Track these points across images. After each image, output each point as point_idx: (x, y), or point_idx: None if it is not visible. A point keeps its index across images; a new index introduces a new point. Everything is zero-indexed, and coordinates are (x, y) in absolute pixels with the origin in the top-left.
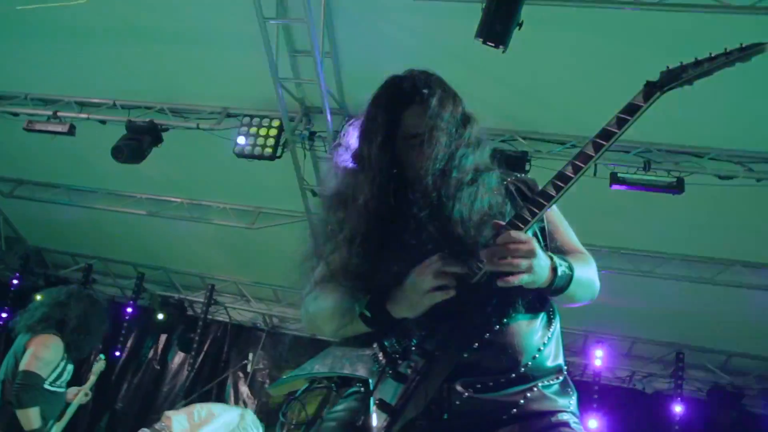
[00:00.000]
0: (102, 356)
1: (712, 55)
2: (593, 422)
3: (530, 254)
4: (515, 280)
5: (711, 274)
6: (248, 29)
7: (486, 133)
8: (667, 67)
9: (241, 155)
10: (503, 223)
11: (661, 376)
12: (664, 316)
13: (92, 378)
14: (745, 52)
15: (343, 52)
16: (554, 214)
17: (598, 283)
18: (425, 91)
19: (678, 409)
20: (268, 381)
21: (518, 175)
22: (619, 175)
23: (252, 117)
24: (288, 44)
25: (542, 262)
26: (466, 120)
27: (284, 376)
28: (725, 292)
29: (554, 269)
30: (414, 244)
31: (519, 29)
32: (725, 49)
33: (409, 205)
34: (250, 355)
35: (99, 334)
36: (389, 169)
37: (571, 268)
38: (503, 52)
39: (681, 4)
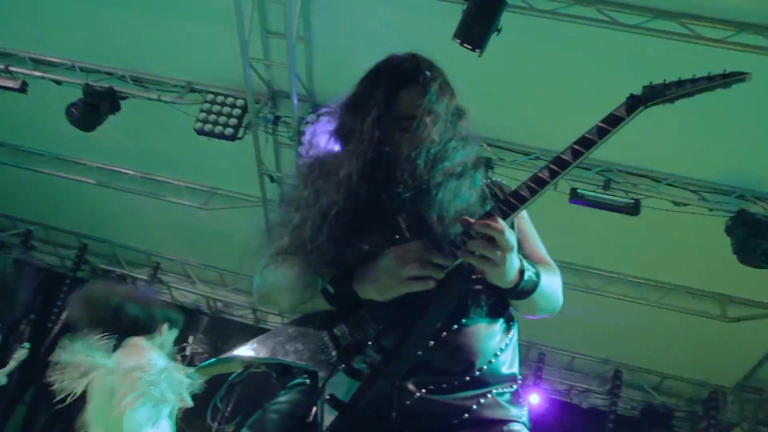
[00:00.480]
0: (27, 344)
1: (695, 78)
2: None
3: (507, 246)
4: (487, 268)
5: (656, 297)
6: (222, 3)
7: (475, 132)
8: (651, 82)
9: (201, 132)
10: (473, 220)
11: (597, 393)
12: (606, 333)
13: (12, 363)
14: (727, 79)
15: (317, 38)
16: (525, 222)
17: (561, 298)
18: (428, 73)
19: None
20: None
21: (494, 179)
22: (578, 191)
23: (216, 94)
24: (261, 24)
25: (514, 260)
26: (459, 114)
27: (220, 357)
28: (667, 315)
29: (522, 272)
30: (388, 226)
31: (497, 35)
32: (708, 73)
33: (395, 185)
34: (190, 338)
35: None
36: (380, 145)
37: (538, 276)
38: (479, 55)
39: (655, 29)
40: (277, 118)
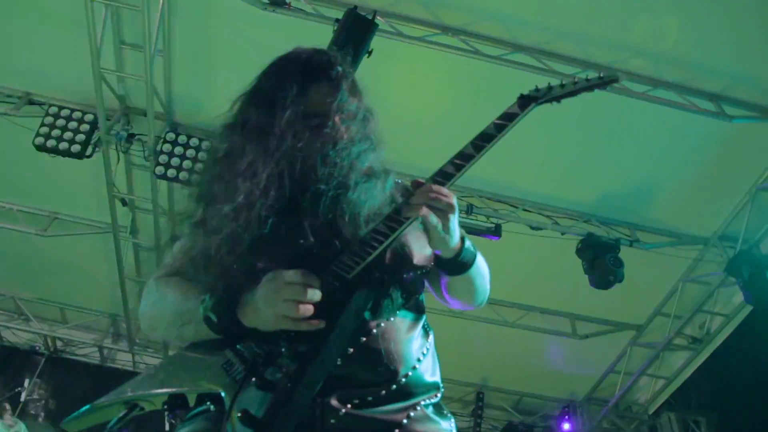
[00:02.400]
0: None
1: (575, 80)
2: None
3: (451, 208)
4: (440, 218)
5: (513, 318)
6: (70, 6)
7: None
8: (536, 86)
9: (42, 149)
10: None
11: (461, 415)
12: (467, 356)
13: None
14: (603, 81)
15: (177, 53)
16: None
17: (489, 284)
18: (339, 69)
19: None
20: (42, 414)
21: (398, 181)
22: None
23: (61, 108)
24: (115, 33)
25: (457, 223)
26: (369, 115)
27: (93, 404)
28: (523, 336)
29: (462, 239)
30: (294, 229)
31: (368, 57)
32: (586, 77)
33: (305, 186)
34: (26, 382)
35: None
36: (296, 146)
37: (474, 248)
38: None
39: (513, 61)
40: (131, 135)
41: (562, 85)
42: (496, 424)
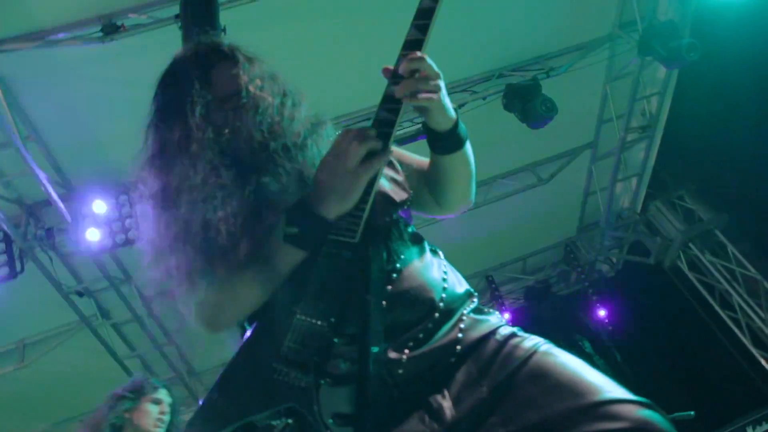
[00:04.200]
0: None
1: None
2: None
3: (435, 72)
4: (432, 96)
5: (481, 199)
6: None
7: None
8: None
9: None
10: (392, 67)
11: (486, 306)
12: (463, 254)
13: None
14: None
15: (45, 129)
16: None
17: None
18: (228, 43)
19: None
20: None
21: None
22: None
23: None
24: None
25: (446, 93)
26: (275, 74)
27: None
28: (499, 206)
29: (455, 113)
30: (273, 202)
31: (224, 35)
32: None
33: (257, 162)
34: None
35: None
36: (220, 134)
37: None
38: None
39: None
40: (49, 230)
41: None
42: (517, 296)
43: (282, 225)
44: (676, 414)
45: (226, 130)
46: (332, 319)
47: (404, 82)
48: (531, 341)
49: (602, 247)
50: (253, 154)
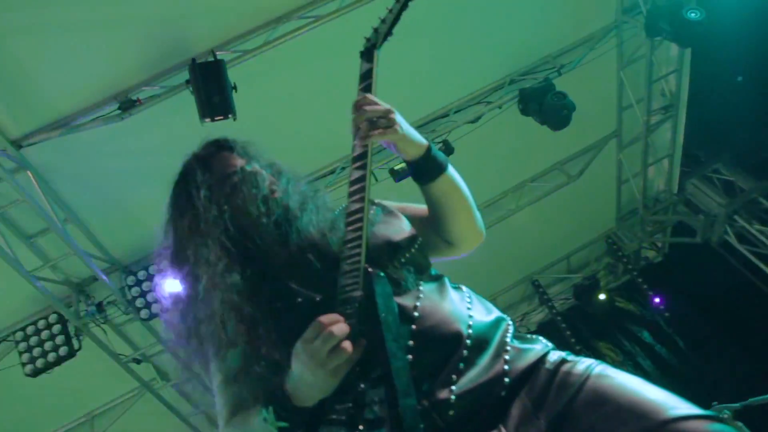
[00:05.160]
0: None
1: (389, 8)
2: None
3: (385, 108)
4: (384, 131)
5: (514, 204)
6: None
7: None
8: (365, 37)
9: (36, 374)
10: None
11: (533, 311)
12: (504, 263)
13: None
14: None
15: (80, 209)
16: (394, 204)
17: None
18: (225, 137)
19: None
20: None
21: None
22: (396, 168)
23: (24, 329)
24: (17, 234)
25: (404, 124)
26: (270, 160)
27: None
28: (533, 210)
29: (427, 140)
30: (282, 306)
31: (236, 92)
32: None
33: (262, 235)
34: None
35: None
36: (223, 212)
37: (444, 155)
38: (234, 119)
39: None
40: (99, 304)
41: (383, 20)
42: (566, 296)
43: (270, 418)
44: (751, 399)
45: (226, 207)
46: (357, 368)
47: (357, 133)
48: (583, 365)
49: (644, 233)
50: (255, 227)
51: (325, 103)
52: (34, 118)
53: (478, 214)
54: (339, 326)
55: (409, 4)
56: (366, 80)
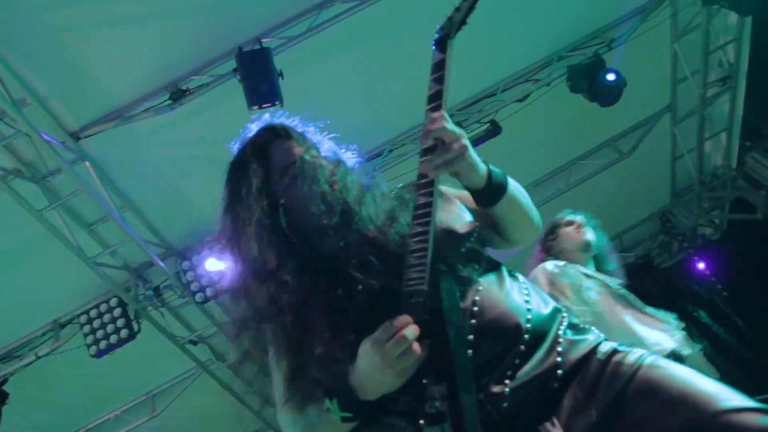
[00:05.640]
0: None
1: None
2: None
3: (456, 134)
4: (458, 166)
5: (564, 183)
6: (34, 233)
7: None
8: (439, 25)
9: (100, 355)
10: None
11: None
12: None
13: None
14: None
15: (135, 196)
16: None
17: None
18: (280, 122)
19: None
20: None
21: (400, 185)
22: None
23: (87, 312)
24: (78, 223)
25: (472, 150)
26: (329, 145)
27: None
28: (584, 188)
29: (485, 163)
30: (340, 277)
31: (282, 79)
32: None
33: (318, 228)
34: None
35: None
36: (276, 205)
37: (502, 171)
38: (282, 106)
39: None
40: (156, 289)
41: (456, 9)
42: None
43: (333, 407)
44: None
45: (282, 201)
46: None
47: (425, 160)
48: (634, 355)
49: (701, 210)
50: (312, 222)
51: (370, 86)
52: (90, 111)
53: (536, 214)
54: (411, 329)
55: None
56: (439, 71)
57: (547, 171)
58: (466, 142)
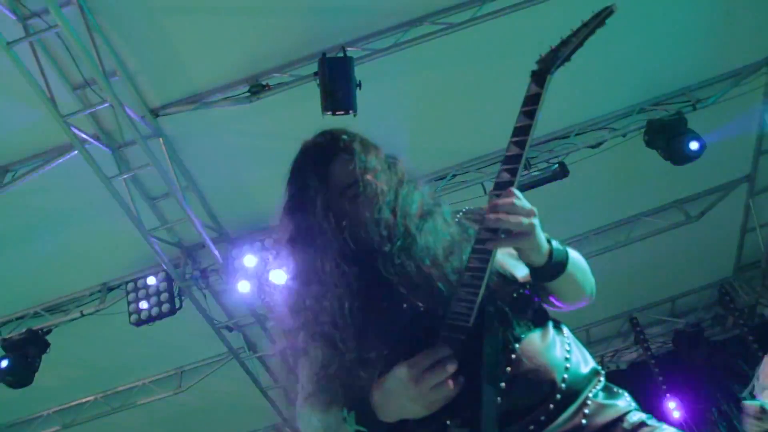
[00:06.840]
0: None
1: (575, 30)
2: None
3: (528, 210)
4: (522, 243)
5: (623, 237)
6: (97, 194)
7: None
8: (540, 55)
9: (139, 324)
10: (490, 205)
11: (626, 349)
12: (605, 293)
13: None
14: (599, 17)
15: (200, 179)
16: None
17: (590, 271)
18: (345, 138)
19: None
20: None
21: (464, 209)
22: None
23: (135, 281)
24: (142, 195)
25: (538, 228)
26: (393, 161)
27: None
28: (643, 246)
29: (548, 241)
30: (389, 299)
31: (360, 89)
32: (582, 21)
33: (373, 252)
34: None
35: None
36: (340, 225)
37: (563, 244)
38: (354, 116)
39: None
40: (203, 270)
41: (563, 43)
42: (665, 340)
43: (349, 419)
44: None
45: (344, 222)
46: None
47: (496, 215)
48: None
49: (764, 288)
50: (371, 243)
51: (444, 109)
52: (173, 91)
53: (590, 285)
54: (452, 364)
55: (595, 30)
56: (532, 105)
57: (610, 221)
58: (536, 221)
